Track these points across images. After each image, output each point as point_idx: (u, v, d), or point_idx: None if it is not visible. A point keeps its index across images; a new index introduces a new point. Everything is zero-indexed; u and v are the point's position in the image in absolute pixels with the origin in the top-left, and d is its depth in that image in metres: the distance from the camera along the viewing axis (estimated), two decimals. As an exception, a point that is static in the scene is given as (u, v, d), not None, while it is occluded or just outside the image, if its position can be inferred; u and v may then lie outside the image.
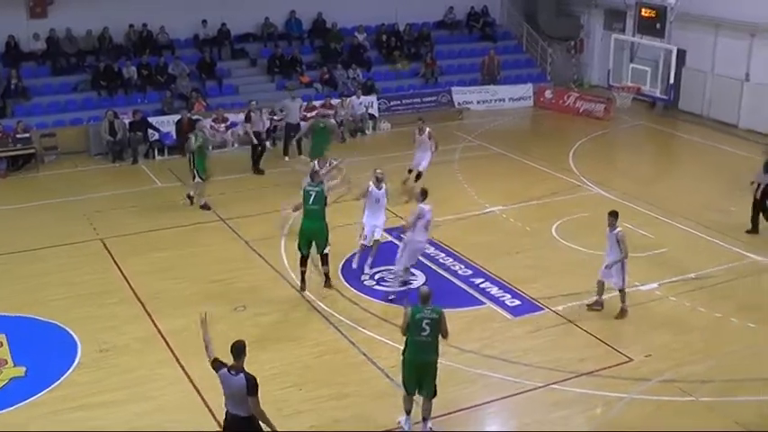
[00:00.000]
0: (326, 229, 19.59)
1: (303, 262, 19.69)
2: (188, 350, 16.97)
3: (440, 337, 14.04)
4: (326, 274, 19.98)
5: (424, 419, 14.43)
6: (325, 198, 19.48)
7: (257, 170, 29.21)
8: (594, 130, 34.60)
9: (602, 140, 33.88)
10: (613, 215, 18.58)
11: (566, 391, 15.92)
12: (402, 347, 14.24)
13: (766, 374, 16.47)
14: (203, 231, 23.72)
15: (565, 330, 18.21)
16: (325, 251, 19.69)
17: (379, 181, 20.85)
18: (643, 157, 33.36)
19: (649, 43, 34.30)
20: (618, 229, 18.49)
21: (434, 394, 14.27)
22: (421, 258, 21.30)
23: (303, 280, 19.82)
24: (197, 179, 25.29)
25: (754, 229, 23.32)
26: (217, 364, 12.64)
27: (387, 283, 20.18)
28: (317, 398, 15.65)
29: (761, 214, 23.35)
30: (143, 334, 18.00)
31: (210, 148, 26.29)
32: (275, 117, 31.90)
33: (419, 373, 14.14)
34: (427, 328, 13.82)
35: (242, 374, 12.30)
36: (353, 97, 34.69)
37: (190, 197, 25.59)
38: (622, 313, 18.74)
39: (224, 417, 12.75)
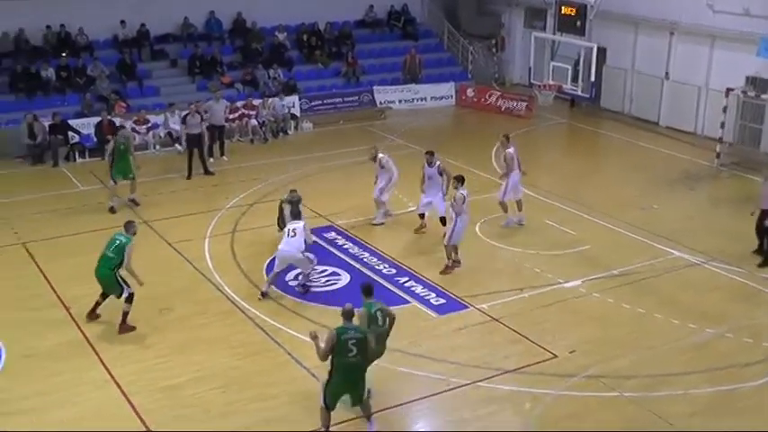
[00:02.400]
0: (116, 279, 17.98)
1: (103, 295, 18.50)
2: (113, 354, 16.88)
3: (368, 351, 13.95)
4: (124, 313, 18.06)
5: (369, 418, 14.34)
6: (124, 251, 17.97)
7: (207, 171, 28.71)
8: (517, 129, 34.73)
9: (525, 138, 34.03)
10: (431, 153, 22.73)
11: (492, 388, 15.99)
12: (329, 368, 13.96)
13: (689, 369, 16.73)
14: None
15: (490, 328, 18.30)
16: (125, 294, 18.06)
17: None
18: (565, 154, 33.72)
19: (570, 41, 34.68)
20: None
21: (362, 397, 14.19)
22: (345, 258, 21.58)
23: (94, 308, 18.48)
24: (110, 182, 25.34)
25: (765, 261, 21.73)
26: None
27: (312, 283, 20.11)
28: (244, 399, 15.54)
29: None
30: (68, 338, 17.72)
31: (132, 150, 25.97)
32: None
33: (347, 392, 14.01)
34: (354, 348, 13.60)
35: None
36: (276, 98, 34.47)
37: (133, 201, 25.59)
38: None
39: None
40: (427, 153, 22.97)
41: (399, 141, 31.84)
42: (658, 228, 23.67)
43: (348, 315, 13.86)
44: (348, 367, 13.73)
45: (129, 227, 18.46)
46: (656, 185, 27.75)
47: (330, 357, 13.82)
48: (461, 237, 21.02)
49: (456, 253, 21.09)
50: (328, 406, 14.03)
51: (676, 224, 24.12)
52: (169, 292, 19.43)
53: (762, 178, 22.14)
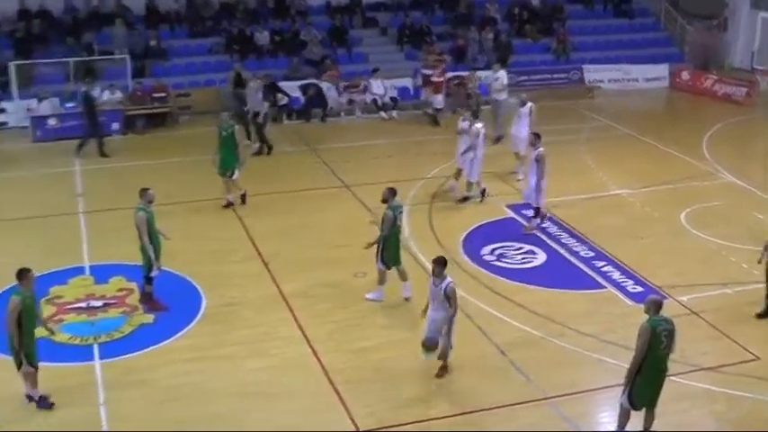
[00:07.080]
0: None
1: None
2: (307, 312, 17.30)
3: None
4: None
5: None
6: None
7: None
8: (733, 116, 33.43)
9: (742, 127, 32.66)
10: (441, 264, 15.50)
11: (686, 384, 15.37)
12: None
13: None
14: (328, 197, 23.90)
15: (688, 322, 17.53)
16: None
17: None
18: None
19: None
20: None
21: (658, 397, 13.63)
22: (543, 237, 21.43)
23: None
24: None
25: None
26: None
27: (506, 260, 19.96)
28: (431, 367, 15.40)
29: None
30: (265, 293, 18.26)
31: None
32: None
33: (656, 389, 13.45)
34: (665, 340, 13.19)
35: None
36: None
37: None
38: None
39: None
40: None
41: (606, 122, 31.16)
42: None
43: (659, 307, 13.38)
44: (660, 360, 13.29)
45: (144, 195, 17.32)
46: None
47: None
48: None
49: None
50: (634, 405, 13.52)
51: None
52: (365, 256, 19.58)
53: None
